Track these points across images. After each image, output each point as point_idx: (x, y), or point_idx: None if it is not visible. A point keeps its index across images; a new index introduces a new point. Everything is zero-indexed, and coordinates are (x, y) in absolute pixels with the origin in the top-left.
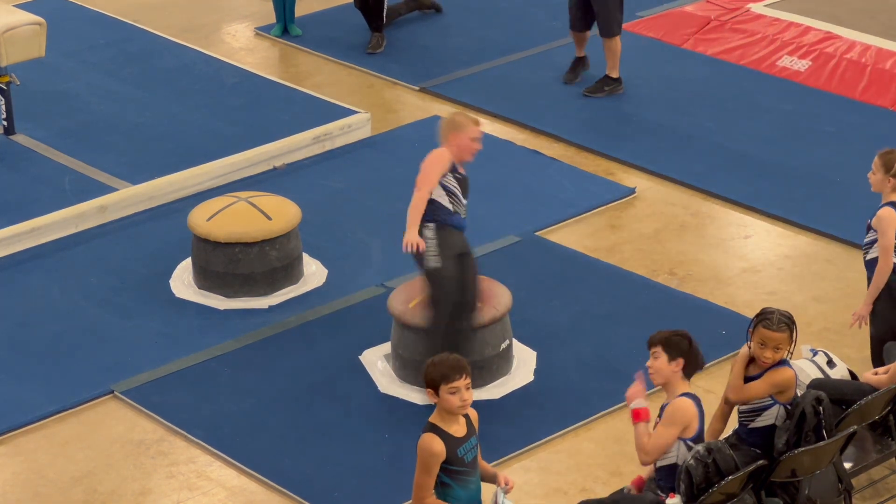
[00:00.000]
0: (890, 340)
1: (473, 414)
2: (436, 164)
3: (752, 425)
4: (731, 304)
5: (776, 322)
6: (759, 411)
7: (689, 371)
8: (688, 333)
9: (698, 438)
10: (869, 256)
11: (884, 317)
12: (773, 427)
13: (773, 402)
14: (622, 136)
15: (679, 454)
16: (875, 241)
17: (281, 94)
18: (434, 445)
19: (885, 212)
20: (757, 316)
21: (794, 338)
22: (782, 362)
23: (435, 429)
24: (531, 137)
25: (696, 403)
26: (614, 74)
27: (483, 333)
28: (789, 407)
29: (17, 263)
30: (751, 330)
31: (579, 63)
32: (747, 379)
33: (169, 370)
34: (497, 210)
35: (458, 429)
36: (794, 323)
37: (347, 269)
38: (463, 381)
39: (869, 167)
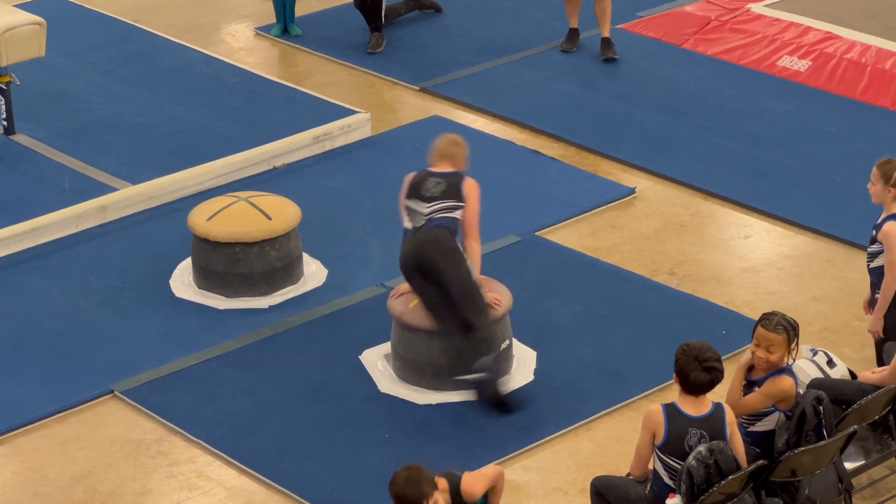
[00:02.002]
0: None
1: (468, 487)
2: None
3: (752, 428)
4: (731, 304)
5: (774, 323)
6: (759, 416)
7: (682, 387)
8: (687, 348)
9: (664, 445)
10: (873, 265)
11: (891, 325)
12: (772, 431)
13: (773, 408)
14: (622, 136)
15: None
16: (879, 252)
17: (281, 94)
18: None
19: (891, 227)
20: (761, 316)
21: (791, 344)
22: (782, 370)
23: None
24: (531, 137)
25: (663, 411)
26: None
27: (483, 333)
28: (789, 413)
29: (17, 263)
30: (754, 329)
31: (575, 34)
32: (750, 383)
33: (169, 370)
34: (497, 210)
35: None
36: (793, 329)
37: (347, 269)
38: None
39: (869, 167)
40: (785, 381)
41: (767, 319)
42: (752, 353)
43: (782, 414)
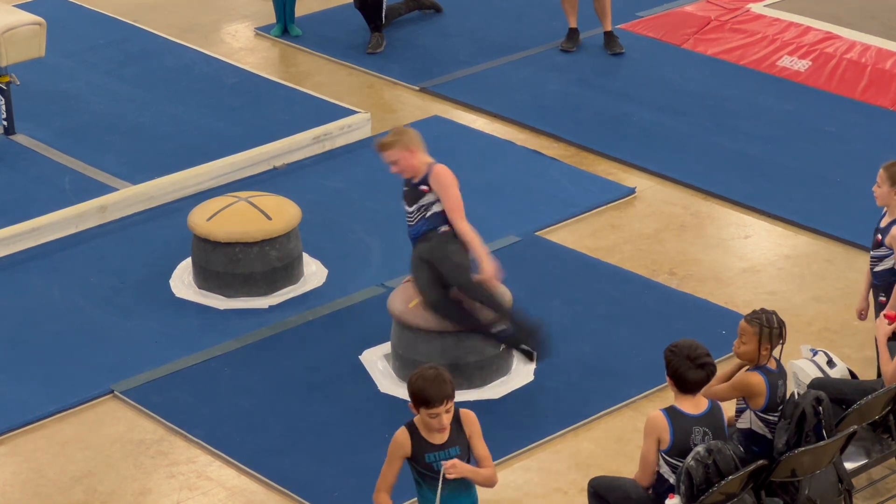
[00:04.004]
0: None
1: (469, 419)
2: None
3: (737, 425)
4: (731, 304)
5: (751, 315)
6: (738, 413)
7: (678, 388)
8: (676, 350)
9: (670, 449)
10: (878, 268)
11: None
12: (750, 431)
13: (746, 406)
14: (622, 136)
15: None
16: (885, 256)
17: (281, 94)
18: (397, 436)
19: None
20: None
21: (762, 338)
22: (757, 367)
23: (411, 426)
24: (531, 137)
25: (665, 415)
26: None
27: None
28: (761, 413)
29: (17, 263)
30: None
31: (575, 33)
32: None
33: (169, 370)
34: (497, 210)
35: (437, 437)
36: (769, 326)
37: (347, 269)
38: (443, 407)
39: (869, 167)
40: (752, 377)
41: (751, 312)
42: None
43: (754, 413)
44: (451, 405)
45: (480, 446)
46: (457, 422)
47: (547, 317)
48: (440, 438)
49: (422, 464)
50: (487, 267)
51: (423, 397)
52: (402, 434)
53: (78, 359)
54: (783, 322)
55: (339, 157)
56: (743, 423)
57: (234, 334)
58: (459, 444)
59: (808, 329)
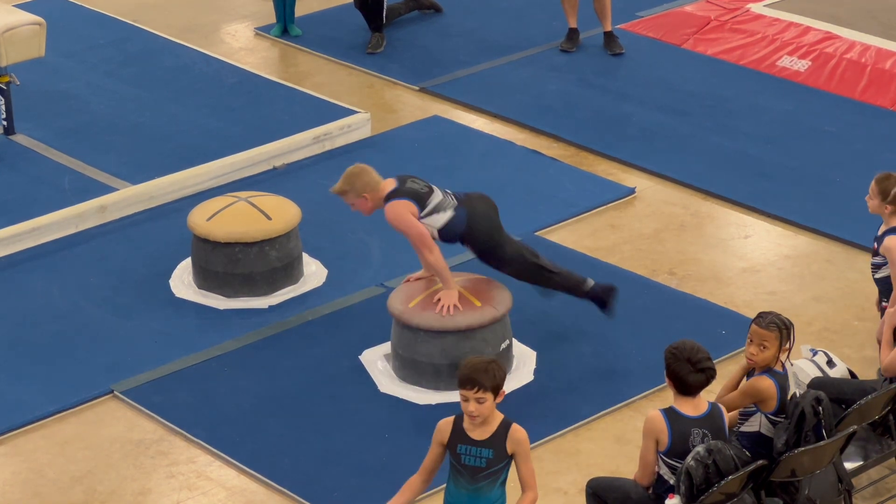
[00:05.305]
0: None
1: (517, 436)
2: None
3: (741, 429)
4: (731, 304)
5: (767, 321)
6: (745, 416)
7: (678, 390)
8: (677, 352)
9: (669, 451)
10: (878, 275)
11: None
12: (758, 434)
13: (755, 409)
14: (622, 136)
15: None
16: (882, 264)
17: (281, 94)
18: (440, 422)
19: (892, 241)
20: (756, 315)
21: (782, 342)
22: (766, 371)
23: (459, 415)
24: (531, 137)
25: (664, 416)
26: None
27: (483, 333)
28: (771, 416)
29: (17, 263)
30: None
31: (575, 33)
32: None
33: (169, 370)
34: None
35: (477, 432)
36: (786, 327)
37: (347, 269)
38: (472, 393)
39: (869, 167)
40: (763, 382)
41: (761, 317)
42: (746, 350)
43: (764, 416)
44: (482, 396)
45: (525, 469)
46: (504, 429)
47: (547, 317)
48: (479, 434)
49: (453, 452)
50: (445, 295)
51: (459, 374)
52: (445, 420)
53: (78, 359)
54: (791, 322)
55: (339, 157)
56: (751, 427)
57: (233, 334)
58: (496, 448)
59: (808, 329)
